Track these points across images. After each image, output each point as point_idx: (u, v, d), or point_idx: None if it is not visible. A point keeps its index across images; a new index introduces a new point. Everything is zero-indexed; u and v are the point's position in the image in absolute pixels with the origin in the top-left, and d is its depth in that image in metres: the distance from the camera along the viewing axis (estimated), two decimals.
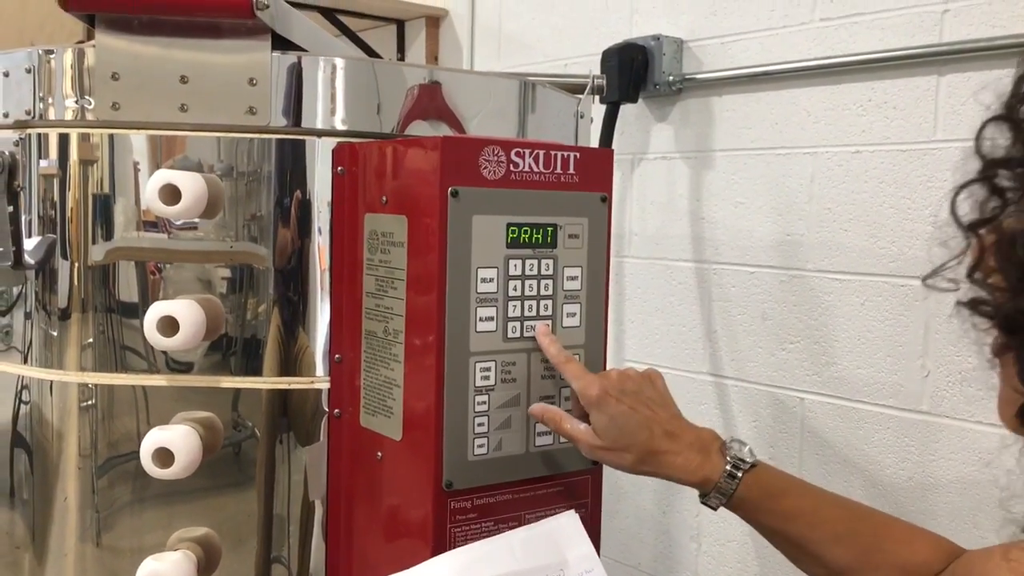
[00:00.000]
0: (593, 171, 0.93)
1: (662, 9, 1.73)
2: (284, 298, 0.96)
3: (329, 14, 2.13)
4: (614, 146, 1.70)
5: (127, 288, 0.97)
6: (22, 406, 1.01)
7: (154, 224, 0.96)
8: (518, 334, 0.90)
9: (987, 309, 0.70)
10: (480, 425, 0.88)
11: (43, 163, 0.98)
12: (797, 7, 1.53)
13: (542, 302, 0.91)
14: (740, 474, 0.89)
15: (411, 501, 0.89)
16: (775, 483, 0.92)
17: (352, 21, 2.19)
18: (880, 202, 1.44)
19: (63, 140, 0.97)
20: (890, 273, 1.43)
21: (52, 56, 0.96)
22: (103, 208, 0.96)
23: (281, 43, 0.95)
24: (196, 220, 0.94)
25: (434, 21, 2.21)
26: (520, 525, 0.90)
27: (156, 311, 0.90)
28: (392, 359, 0.91)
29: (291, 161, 0.95)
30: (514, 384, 0.90)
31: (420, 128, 1.00)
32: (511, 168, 0.88)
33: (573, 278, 0.93)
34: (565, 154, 0.91)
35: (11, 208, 0.99)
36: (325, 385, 0.97)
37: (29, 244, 0.99)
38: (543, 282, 0.91)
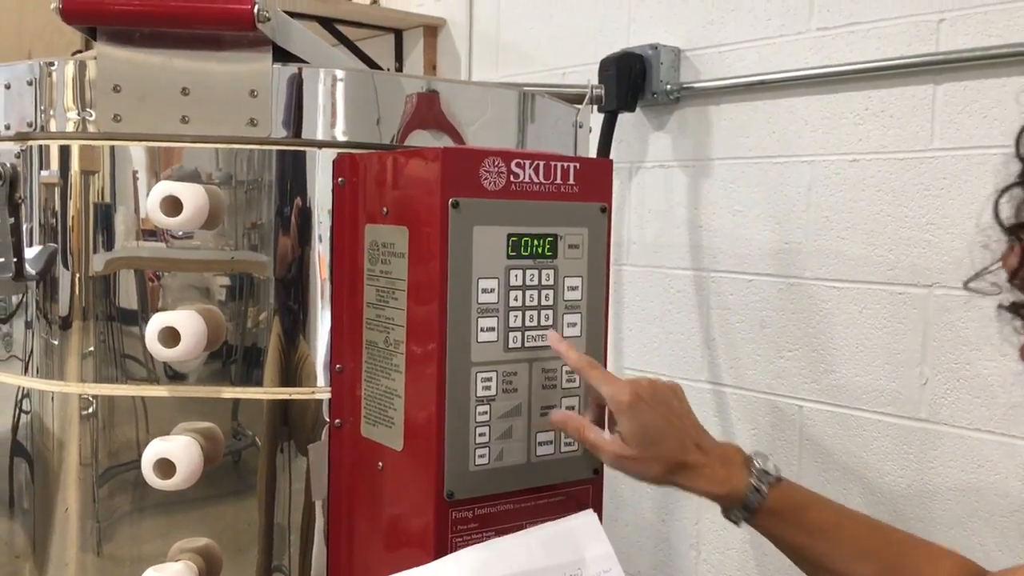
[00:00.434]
0: (593, 181, 0.93)
1: (660, 18, 1.74)
2: (285, 308, 0.97)
3: (327, 24, 2.13)
4: (612, 155, 1.71)
5: (128, 298, 0.97)
6: (23, 415, 1.01)
7: (154, 233, 0.96)
8: (519, 344, 0.90)
9: None
10: (481, 435, 0.88)
11: (44, 173, 0.98)
12: (794, 16, 1.54)
13: (543, 312, 0.91)
14: (766, 488, 0.88)
15: (412, 511, 0.89)
16: (798, 497, 0.91)
17: (350, 31, 2.19)
18: (877, 210, 1.44)
19: (64, 151, 0.97)
20: (888, 281, 1.44)
21: (54, 68, 0.97)
22: (104, 218, 0.97)
23: (281, 55, 0.96)
24: (196, 230, 0.94)
25: (432, 31, 2.21)
26: None
27: (157, 322, 0.90)
28: (393, 369, 0.91)
29: (292, 172, 0.96)
30: (515, 394, 0.90)
31: (420, 139, 1.00)
32: (511, 179, 0.88)
33: (574, 288, 0.93)
34: (565, 165, 0.91)
35: (12, 220, 0.99)
36: (326, 395, 0.97)
37: (30, 253, 0.99)
38: (544, 292, 0.91)
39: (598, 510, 0.97)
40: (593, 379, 0.89)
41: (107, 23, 0.93)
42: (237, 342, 0.96)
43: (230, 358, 0.97)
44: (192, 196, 0.89)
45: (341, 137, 0.97)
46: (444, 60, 2.21)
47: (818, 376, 1.53)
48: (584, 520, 0.88)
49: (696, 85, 1.67)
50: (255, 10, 0.89)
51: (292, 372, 0.97)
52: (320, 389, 0.97)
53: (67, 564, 0.99)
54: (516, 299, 0.90)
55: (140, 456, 0.91)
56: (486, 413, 0.88)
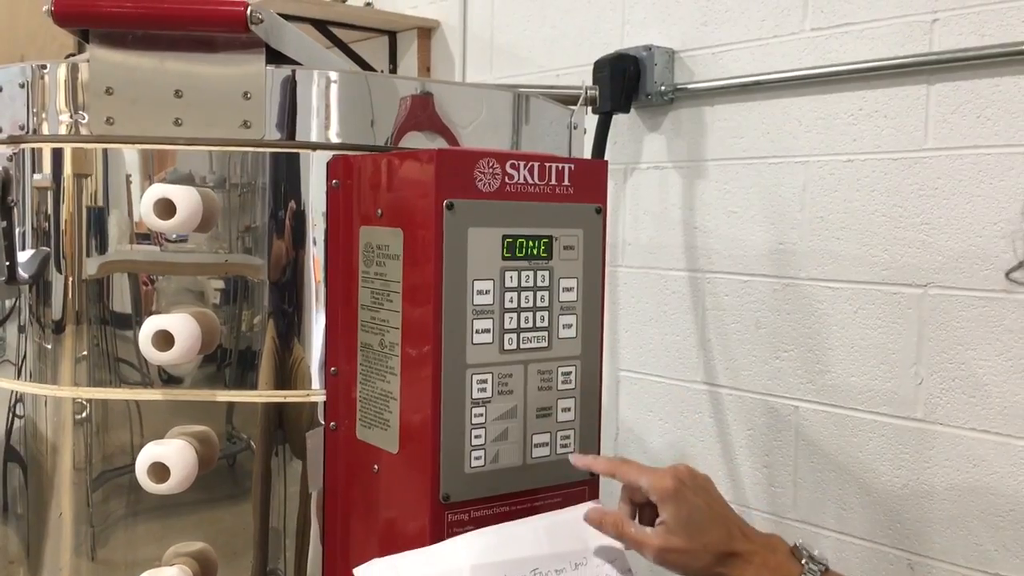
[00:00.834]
0: (588, 182, 0.93)
1: (653, 20, 1.74)
2: (279, 311, 0.96)
3: (321, 26, 2.13)
4: (607, 156, 1.70)
5: (121, 301, 0.96)
6: (16, 420, 1.01)
7: (148, 237, 0.96)
8: (515, 346, 0.90)
9: None
10: (477, 437, 0.88)
11: (37, 176, 0.98)
12: (788, 17, 1.54)
13: (538, 314, 0.91)
14: (817, 575, 0.84)
15: (408, 514, 0.89)
16: None
17: (344, 33, 2.19)
18: (872, 210, 1.45)
19: (57, 154, 0.96)
20: (883, 281, 1.44)
21: (46, 71, 0.96)
22: (97, 221, 0.96)
23: (275, 57, 0.95)
24: (190, 233, 0.94)
25: (426, 33, 2.21)
26: None
27: (151, 326, 0.90)
28: (388, 372, 0.91)
29: (285, 174, 0.95)
30: (511, 396, 0.90)
31: (414, 140, 1.00)
32: (506, 180, 0.88)
33: (569, 289, 0.93)
34: (560, 166, 0.91)
35: (4, 223, 0.99)
36: (321, 398, 0.97)
37: (23, 257, 0.99)
38: (539, 294, 0.91)
39: None
40: (630, 475, 0.86)
41: (99, 25, 0.92)
42: (231, 345, 0.96)
43: (224, 361, 0.96)
44: (185, 199, 0.88)
45: (335, 139, 0.97)
46: (438, 62, 2.21)
47: (814, 376, 1.53)
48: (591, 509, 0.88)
49: (690, 86, 1.67)
50: (248, 12, 0.89)
51: (287, 375, 0.97)
52: (315, 392, 0.97)
53: (61, 569, 0.99)
54: (511, 301, 0.89)
55: (134, 460, 0.91)
56: (482, 415, 0.88)
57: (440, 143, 1.01)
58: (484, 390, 0.88)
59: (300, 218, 0.96)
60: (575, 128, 1.19)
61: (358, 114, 0.98)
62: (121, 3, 0.91)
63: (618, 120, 1.74)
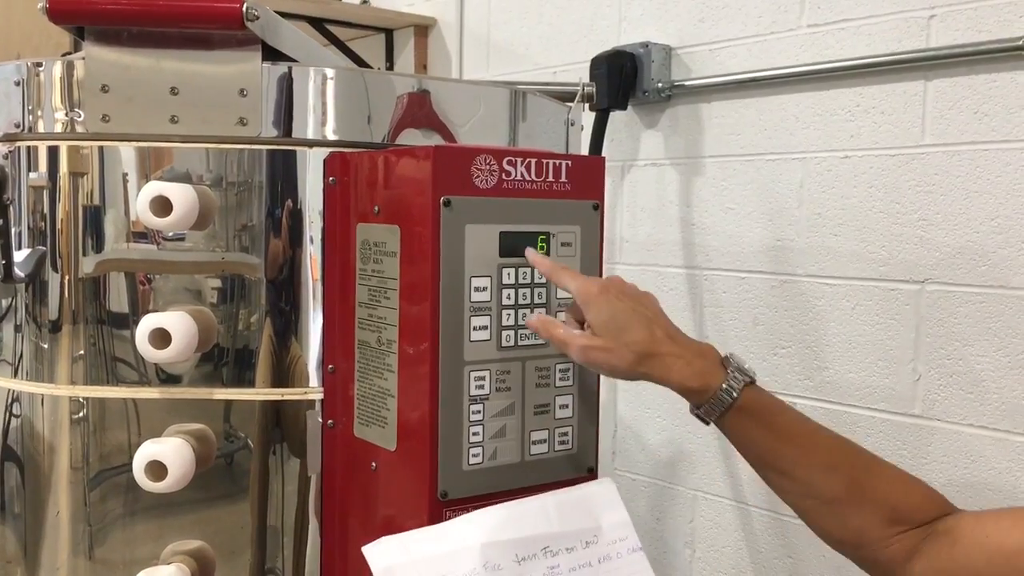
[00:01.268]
0: (585, 179, 0.93)
1: (650, 16, 1.74)
2: (276, 308, 0.96)
3: (317, 24, 2.13)
4: (604, 153, 1.70)
5: (118, 300, 0.96)
6: (12, 419, 1.01)
7: (144, 235, 0.95)
8: (512, 343, 0.90)
9: None
10: (475, 434, 0.88)
11: (32, 175, 0.97)
12: (785, 13, 1.54)
13: (536, 311, 0.91)
14: (741, 384, 0.86)
15: (406, 511, 0.89)
16: (772, 401, 0.89)
17: (340, 31, 2.19)
18: (869, 206, 1.45)
19: (52, 152, 0.96)
20: (880, 277, 1.44)
21: (41, 69, 0.96)
22: (93, 220, 0.96)
23: (271, 54, 0.95)
24: (186, 231, 0.94)
25: (423, 30, 2.21)
26: None
27: (148, 323, 0.89)
28: (386, 369, 0.91)
29: (282, 172, 0.95)
30: (509, 393, 0.90)
31: (411, 137, 1.00)
32: (503, 177, 0.88)
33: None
34: (557, 162, 0.91)
35: (0, 222, 0.98)
36: (318, 396, 0.97)
37: (19, 256, 0.99)
38: (537, 291, 0.91)
39: None
40: (562, 279, 0.88)
41: (94, 23, 0.92)
42: (229, 343, 0.96)
43: (222, 359, 0.96)
44: (182, 196, 0.88)
45: (332, 136, 0.97)
46: (435, 60, 2.20)
47: (811, 373, 1.53)
48: (602, 487, 0.88)
49: (687, 83, 1.67)
50: (244, 9, 0.89)
51: (284, 373, 0.97)
52: (313, 390, 0.97)
53: (58, 569, 0.98)
54: (509, 297, 0.89)
55: (131, 459, 0.90)
56: (479, 412, 0.88)
57: (437, 140, 1.01)
58: (482, 387, 0.88)
59: (297, 216, 0.96)
60: (572, 125, 1.19)
61: (355, 111, 0.98)
62: (116, 0, 0.91)
63: (615, 117, 1.74)
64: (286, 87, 0.95)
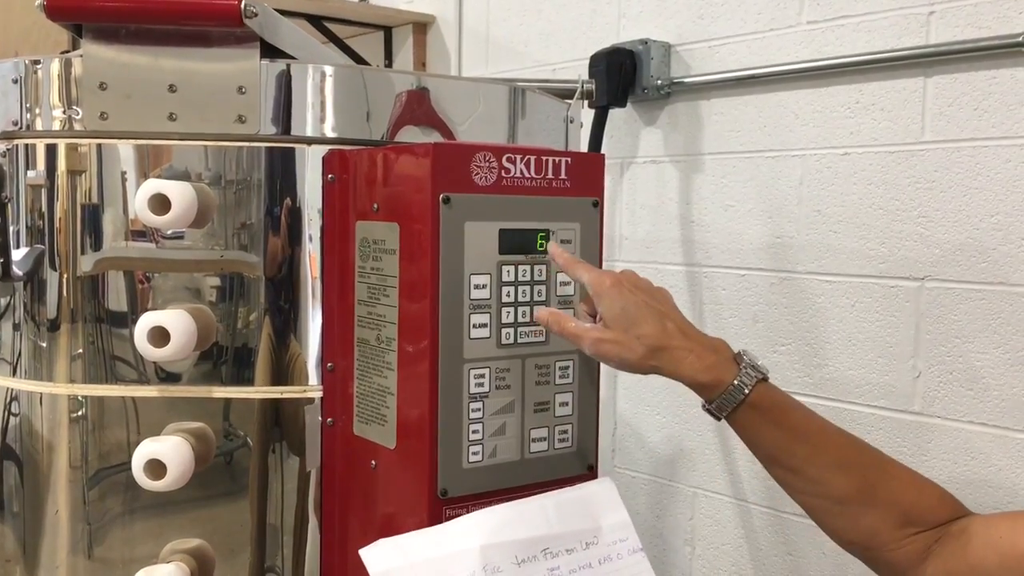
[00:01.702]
0: (585, 176, 0.93)
1: (650, 13, 1.73)
2: (275, 306, 0.96)
3: (316, 21, 2.12)
4: (603, 150, 1.70)
5: (116, 298, 0.96)
6: (11, 418, 1.01)
7: (143, 234, 0.95)
8: (512, 340, 0.89)
9: None
10: (475, 432, 0.88)
11: (31, 173, 0.97)
12: (784, 10, 1.54)
13: (536, 308, 0.90)
14: (754, 380, 0.85)
15: (406, 509, 0.89)
16: (784, 398, 0.88)
17: (339, 28, 2.18)
18: (869, 203, 1.44)
19: (51, 150, 0.96)
20: (880, 274, 1.44)
21: (39, 66, 0.96)
22: (91, 218, 0.96)
23: (270, 51, 0.95)
24: (185, 229, 0.94)
25: (421, 28, 2.20)
26: None
27: (146, 322, 0.89)
28: (385, 367, 0.91)
29: (281, 169, 0.95)
30: (508, 391, 0.89)
31: (410, 135, 1.00)
32: (503, 174, 0.88)
33: (566, 283, 0.93)
34: (556, 159, 0.91)
35: None
36: (318, 394, 0.97)
37: (17, 255, 0.99)
38: (536, 288, 0.91)
39: None
40: (576, 271, 0.88)
41: (92, 20, 0.92)
42: (228, 342, 0.96)
43: (221, 358, 0.96)
44: (180, 194, 0.88)
45: (330, 133, 0.96)
46: (434, 57, 2.20)
47: (811, 370, 1.53)
48: (602, 487, 0.88)
49: (686, 80, 1.67)
50: (242, 6, 0.88)
51: (283, 371, 0.96)
52: (312, 388, 0.97)
53: (57, 567, 0.98)
54: (508, 295, 0.89)
55: (130, 457, 0.90)
56: (479, 410, 0.88)
57: (436, 137, 1.01)
58: (481, 385, 0.88)
59: (296, 213, 0.95)
60: (571, 122, 1.19)
61: (354, 108, 0.97)
62: None
63: (614, 114, 1.74)
64: (285, 84, 0.94)
